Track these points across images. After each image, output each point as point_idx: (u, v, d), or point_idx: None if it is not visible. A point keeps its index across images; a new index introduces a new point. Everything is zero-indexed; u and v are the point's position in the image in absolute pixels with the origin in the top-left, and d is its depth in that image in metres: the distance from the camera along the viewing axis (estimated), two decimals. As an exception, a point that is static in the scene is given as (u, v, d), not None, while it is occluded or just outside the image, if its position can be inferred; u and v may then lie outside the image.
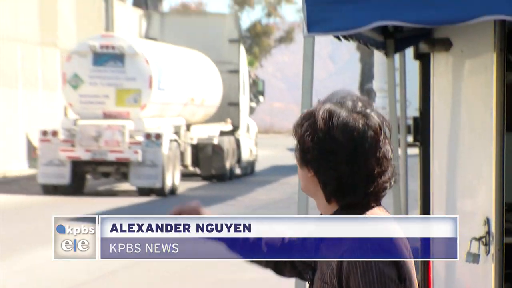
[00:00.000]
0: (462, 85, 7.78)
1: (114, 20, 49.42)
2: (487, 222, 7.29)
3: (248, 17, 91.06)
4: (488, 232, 7.17)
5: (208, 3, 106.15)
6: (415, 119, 8.92)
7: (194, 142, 38.28)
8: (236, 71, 41.35)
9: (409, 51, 8.45)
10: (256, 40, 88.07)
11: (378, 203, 4.37)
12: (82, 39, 42.77)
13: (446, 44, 7.71)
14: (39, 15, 39.45)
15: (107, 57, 34.38)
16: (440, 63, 7.99)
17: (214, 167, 38.67)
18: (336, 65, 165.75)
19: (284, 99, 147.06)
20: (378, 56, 11.35)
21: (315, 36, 6.29)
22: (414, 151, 8.89)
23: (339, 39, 6.95)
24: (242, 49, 42.65)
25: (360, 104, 4.31)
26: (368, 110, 4.28)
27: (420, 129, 8.59)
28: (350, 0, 5.89)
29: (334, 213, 4.31)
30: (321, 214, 4.40)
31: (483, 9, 5.67)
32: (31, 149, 41.18)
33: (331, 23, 6.05)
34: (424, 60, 8.26)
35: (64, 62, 35.13)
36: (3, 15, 35.30)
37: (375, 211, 4.34)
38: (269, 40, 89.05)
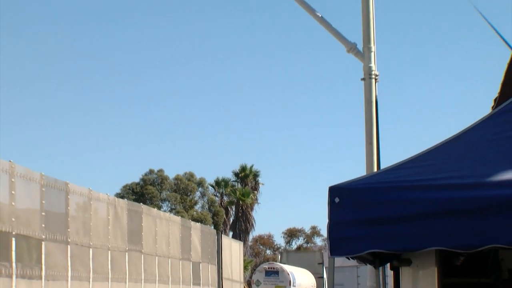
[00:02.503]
0: (417, 283, 7.65)
1: (222, 246, 49.51)
2: None
3: (295, 243, 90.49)
4: None
5: (274, 235, 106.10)
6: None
7: None
8: (321, 277, 49.48)
9: (388, 265, 8.36)
10: (301, 254, 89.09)
11: None
12: (205, 255, 44.20)
13: (408, 262, 7.61)
14: (181, 242, 39.77)
15: (271, 272, 44.37)
16: (405, 272, 7.86)
17: None
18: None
19: None
20: (369, 267, 11.20)
21: (335, 257, 6.27)
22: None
23: (348, 258, 6.91)
24: (324, 268, 49.91)
25: None
26: None
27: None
28: (354, 237, 5.86)
29: None
30: None
31: (428, 243, 5.61)
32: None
33: (344, 250, 6.02)
34: (396, 270, 8.15)
35: (253, 275, 46.68)
36: (162, 243, 35.60)
37: None
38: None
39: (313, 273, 48.64)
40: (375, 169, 9.89)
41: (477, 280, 8.36)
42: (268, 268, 45.13)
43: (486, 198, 5.43)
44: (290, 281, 43.08)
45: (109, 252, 26.99)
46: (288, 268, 44.70)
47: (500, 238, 5.44)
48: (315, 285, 48.27)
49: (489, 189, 5.48)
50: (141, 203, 39.91)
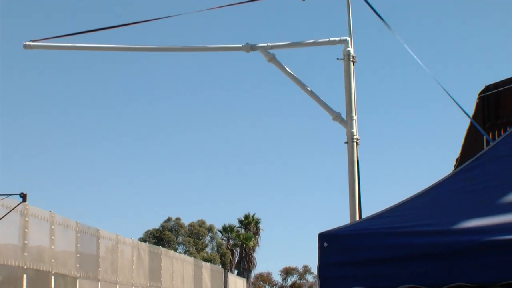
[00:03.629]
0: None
1: (229, 282, 49.22)
2: None
3: (290, 280, 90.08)
4: None
5: (273, 273, 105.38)
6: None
7: None
8: None
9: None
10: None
11: None
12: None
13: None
14: (194, 279, 39.38)
15: None
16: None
17: None
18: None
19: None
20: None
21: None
22: None
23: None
24: None
25: None
26: None
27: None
28: (340, 277, 5.77)
29: None
30: None
31: (403, 281, 5.50)
32: None
33: (332, 287, 5.95)
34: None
35: None
36: (177, 279, 35.19)
37: None
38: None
39: None
40: (357, 218, 9.84)
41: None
42: None
43: (451, 243, 5.41)
44: None
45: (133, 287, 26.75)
46: None
47: (463, 277, 5.41)
48: None
49: (454, 235, 5.46)
50: (160, 246, 39.76)
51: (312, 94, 10.75)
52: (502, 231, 5.31)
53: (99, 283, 21.70)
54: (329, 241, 5.83)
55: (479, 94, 17.39)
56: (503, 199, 5.81)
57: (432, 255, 5.44)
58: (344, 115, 10.48)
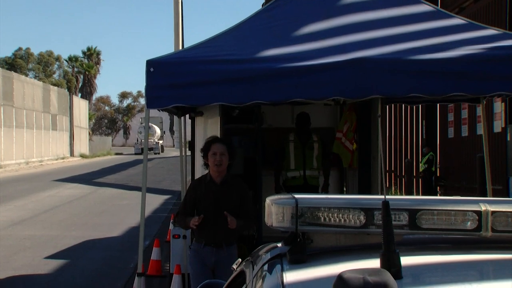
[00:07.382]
0: (207, 128, 7.72)
1: (73, 103, 47.95)
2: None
3: (126, 102, 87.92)
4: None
5: (111, 96, 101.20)
6: (189, 141, 8.72)
7: None
8: (162, 128, 66.72)
9: (187, 115, 8.34)
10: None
11: None
12: (61, 109, 42.31)
13: (201, 113, 7.65)
14: (43, 100, 37.93)
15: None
16: (199, 121, 7.91)
17: None
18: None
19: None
20: (175, 117, 11.19)
21: (150, 109, 6.14)
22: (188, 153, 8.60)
23: (159, 110, 6.81)
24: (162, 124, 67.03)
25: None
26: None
27: (191, 145, 8.46)
28: (163, 96, 5.72)
29: None
30: None
31: (214, 100, 5.57)
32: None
33: (156, 105, 5.88)
34: (193, 119, 8.19)
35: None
36: (28, 100, 33.81)
37: None
38: (134, 110, 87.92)
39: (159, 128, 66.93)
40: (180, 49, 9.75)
41: (246, 126, 8.58)
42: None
43: (252, 69, 5.49)
44: (155, 131, 63.49)
45: (-11, 106, 25.61)
46: (153, 125, 64.04)
47: (260, 97, 5.54)
48: (160, 132, 66.60)
49: (254, 63, 5.53)
50: (13, 72, 37.88)
51: None
52: (291, 60, 5.44)
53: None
54: (154, 67, 5.73)
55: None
56: (295, 33, 5.92)
57: (238, 80, 5.50)
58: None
